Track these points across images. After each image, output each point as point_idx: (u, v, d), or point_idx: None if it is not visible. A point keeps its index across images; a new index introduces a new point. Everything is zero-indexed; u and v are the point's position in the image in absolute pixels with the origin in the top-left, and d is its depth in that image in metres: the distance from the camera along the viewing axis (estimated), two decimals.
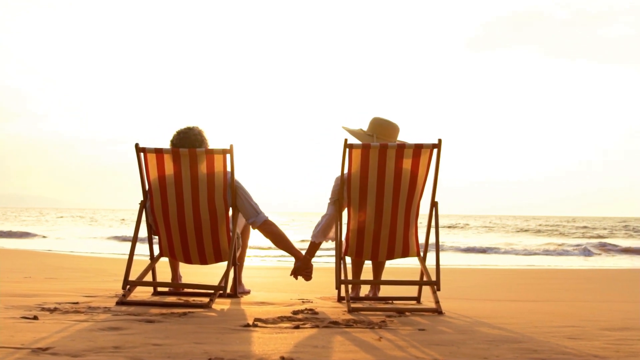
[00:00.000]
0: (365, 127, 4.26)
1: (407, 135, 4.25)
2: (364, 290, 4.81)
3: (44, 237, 20.69)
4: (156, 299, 4.22)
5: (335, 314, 3.55)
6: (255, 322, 3.08)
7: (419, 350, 2.41)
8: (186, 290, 4.59)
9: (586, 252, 14.40)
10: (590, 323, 3.30)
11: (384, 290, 4.87)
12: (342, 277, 3.97)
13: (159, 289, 4.52)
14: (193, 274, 6.45)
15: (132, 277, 3.97)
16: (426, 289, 4.54)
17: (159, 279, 4.50)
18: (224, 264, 4.10)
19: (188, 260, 4.21)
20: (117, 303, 3.78)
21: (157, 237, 4.25)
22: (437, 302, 3.78)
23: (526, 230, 31.73)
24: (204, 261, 4.21)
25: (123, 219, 43.49)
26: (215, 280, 4.48)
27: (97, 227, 31.23)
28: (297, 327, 2.97)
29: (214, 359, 2.12)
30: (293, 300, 4.32)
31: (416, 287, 4.66)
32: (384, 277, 4.56)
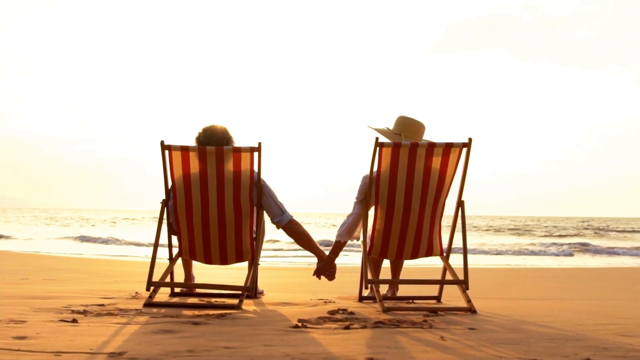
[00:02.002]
0: (388, 126, 4.23)
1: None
2: (381, 289, 4.78)
3: (8, 237, 20.07)
4: (175, 300, 4.13)
5: (372, 314, 3.51)
6: (304, 324, 3.03)
7: (492, 349, 2.39)
8: (199, 290, 4.51)
9: (566, 252, 14.71)
10: (628, 321, 3.34)
11: (401, 290, 4.86)
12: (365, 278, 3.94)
13: (176, 289, 4.42)
14: (198, 274, 6.32)
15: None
16: (446, 289, 4.54)
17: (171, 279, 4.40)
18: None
19: (208, 261, 4.12)
20: (145, 305, 3.68)
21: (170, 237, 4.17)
22: (468, 301, 3.78)
23: (497, 230, 32.21)
24: (224, 261, 4.13)
25: (87, 219, 42.64)
26: (221, 280, 4.42)
27: (64, 227, 30.49)
28: (347, 328, 2.92)
29: None
30: (313, 301, 4.27)
31: (433, 287, 4.67)
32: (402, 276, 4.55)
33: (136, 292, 4.54)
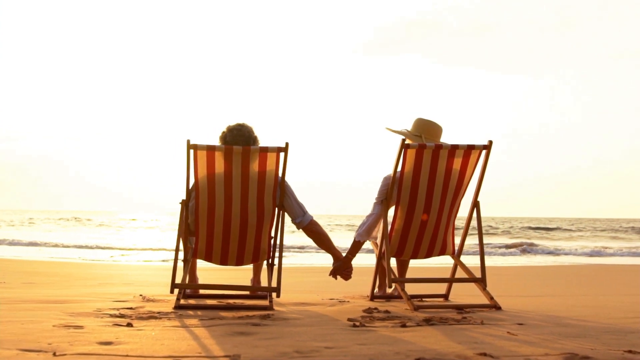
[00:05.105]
0: (405, 128, 4.30)
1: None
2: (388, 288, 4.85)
3: None
4: (192, 302, 4.05)
5: (406, 312, 3.57)
6: (362, 322, 3.05)
7: (572, 342, 2.50)
8: (202, 292, 4.45)
9: (513, 252, 15.32)
10: None
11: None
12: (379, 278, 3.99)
13: (188, 291, 4.34)
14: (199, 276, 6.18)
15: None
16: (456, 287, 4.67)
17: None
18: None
19: (224, 262, 4.06)
20: (176, 307, 3.60)
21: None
22: (491, 298, 3.91)
23: None
24: (240, 262, 4.09)
25: (6, 220, 40.48)
26: (222, 281, 4.36)
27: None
28: (404, 326, 2.97)
29: (419, 359, 2.10)
30: (326, 300, 4.30)
31: (437, 285, 4.79)
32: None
33: (141, 295, 4.41)
